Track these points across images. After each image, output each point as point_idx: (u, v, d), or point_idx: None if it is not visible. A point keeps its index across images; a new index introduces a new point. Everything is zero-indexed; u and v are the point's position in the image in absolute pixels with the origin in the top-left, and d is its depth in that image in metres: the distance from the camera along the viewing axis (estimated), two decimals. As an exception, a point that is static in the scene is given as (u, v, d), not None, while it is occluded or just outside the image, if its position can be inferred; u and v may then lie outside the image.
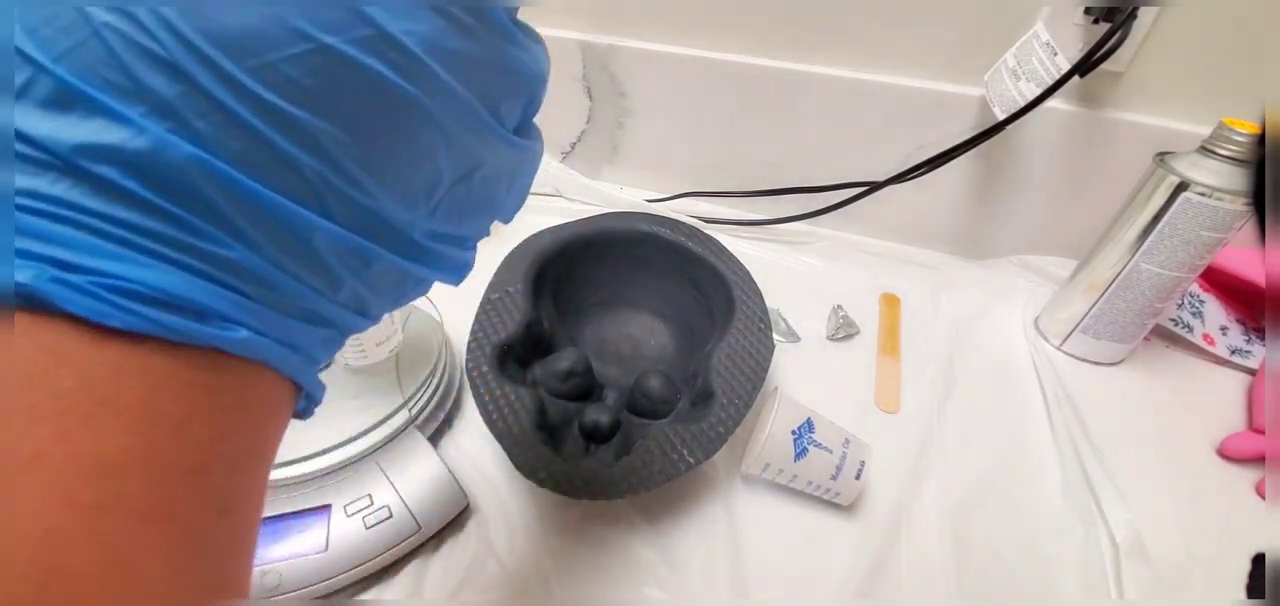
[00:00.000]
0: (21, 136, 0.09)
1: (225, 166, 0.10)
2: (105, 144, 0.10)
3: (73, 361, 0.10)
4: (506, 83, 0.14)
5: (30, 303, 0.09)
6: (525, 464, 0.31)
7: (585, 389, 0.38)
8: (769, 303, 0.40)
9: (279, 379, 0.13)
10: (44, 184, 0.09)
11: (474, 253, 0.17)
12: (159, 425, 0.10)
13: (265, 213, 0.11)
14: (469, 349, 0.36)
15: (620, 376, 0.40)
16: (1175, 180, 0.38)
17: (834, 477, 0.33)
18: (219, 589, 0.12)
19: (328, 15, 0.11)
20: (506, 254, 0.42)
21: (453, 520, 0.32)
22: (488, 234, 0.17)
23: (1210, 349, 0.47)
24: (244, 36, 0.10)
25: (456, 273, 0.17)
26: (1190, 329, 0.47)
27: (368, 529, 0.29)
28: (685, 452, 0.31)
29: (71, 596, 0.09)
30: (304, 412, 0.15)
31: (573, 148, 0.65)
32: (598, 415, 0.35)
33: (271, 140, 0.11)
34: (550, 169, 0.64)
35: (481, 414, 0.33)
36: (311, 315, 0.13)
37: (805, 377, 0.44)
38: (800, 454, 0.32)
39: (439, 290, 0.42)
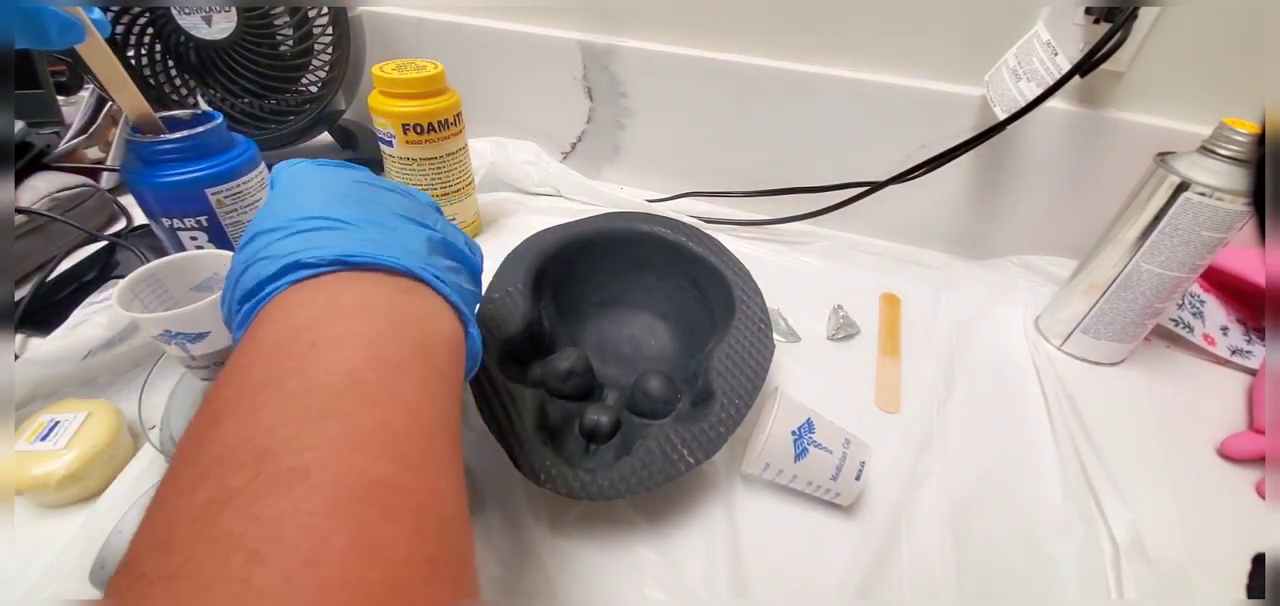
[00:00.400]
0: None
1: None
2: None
3: (341, 291, 0.20)
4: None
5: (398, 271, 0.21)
6: (526, 464, 0.31)
7: (586, 389, 0.38)
8: (769, 302, 0.40)
9: (447, 306, 0.23)
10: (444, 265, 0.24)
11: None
12: (389, 319, 0.20)
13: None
14: (469, 349, 0.36)
15: (620, 376, 0.40)
16: (1175, 180, 0.38)
17: (834, 478, 0.33)
18: (451, 429, 0.21)
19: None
20: (507, 254, 0.42)
21: (453, 520, 0.32)
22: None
23: (1210, 349, 0.47)
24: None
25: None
26: (1190, 329, 0.47)
27: (368, 528, 0.29)
28: (685, 453, 0.31)
29: (369, 400, 0.17)
30: (474, 356, 0.25)
31: (573, 148, 0.65)
32: (598, 415, 0.35)
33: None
34: (550, 169, 0.64)
35: (482, 414, 0.33)
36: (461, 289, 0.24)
37: (805, 377, 0.44)
38: (800, 454, 0.32)
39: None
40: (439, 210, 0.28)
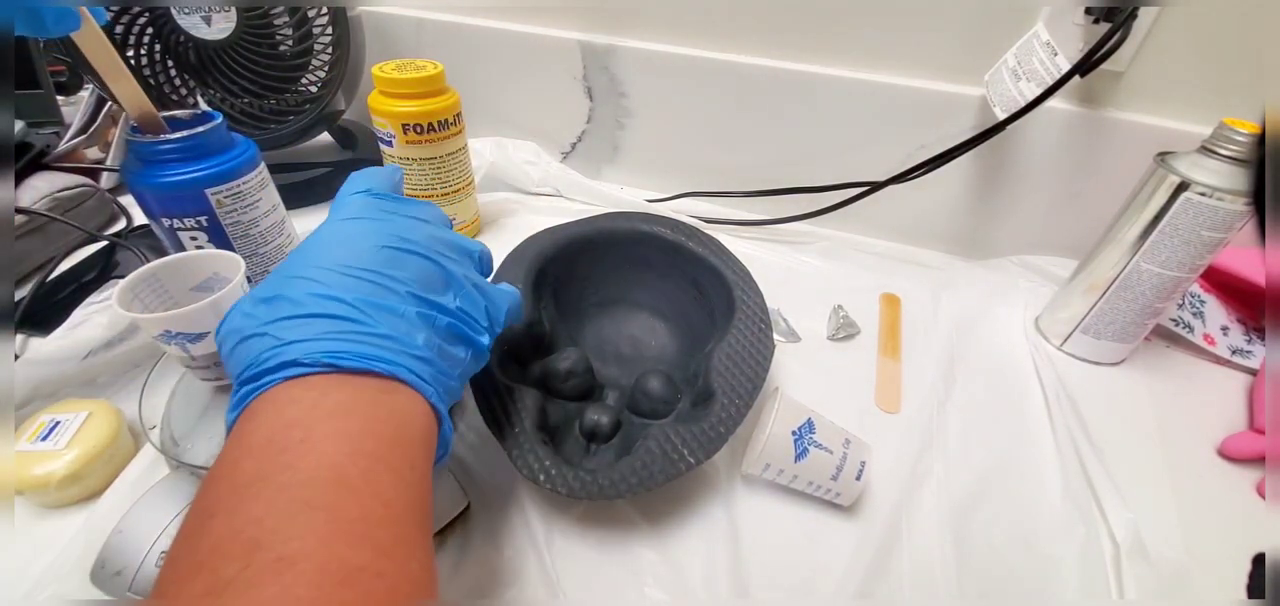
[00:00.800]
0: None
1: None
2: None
3: (328, 393, 0.21)
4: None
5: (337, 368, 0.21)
6: (526, 464, 0.31)
7: (586, 389, 0.38)
8: (769, 303, 0.40)
9: (424, 404, 0.23)
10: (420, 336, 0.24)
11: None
12: (368, 419, 0.21)
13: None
14: (469, 349, 0.36)
15: (621, 376, 0.40)
16: (1175, 180, 0.38)
17: (834, 478, 0.33)
18: (421, 514, 0.21)
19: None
20: (507, 254, 0.42)
21: (453, 520, 0.32)
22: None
23: (1211, 349, 0.47)
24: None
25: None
26: (1191, 329, 0.47)
27: (368, 529, 0.29)
28: (686, 452, 0.31)
29: (351, 493, 0.19)
30: (444, 445, 0.25)
31: (573, 148, 0.65)
32: (598, 415, 0.35)
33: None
34: (550, 169, 0.64)
35: (482, 414, 0.33)
36: (447, 381, 0.25)
37: (805, 377, 0.44)
38: (801, 454, 0.32)
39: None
40: (476, 259, 0.29)
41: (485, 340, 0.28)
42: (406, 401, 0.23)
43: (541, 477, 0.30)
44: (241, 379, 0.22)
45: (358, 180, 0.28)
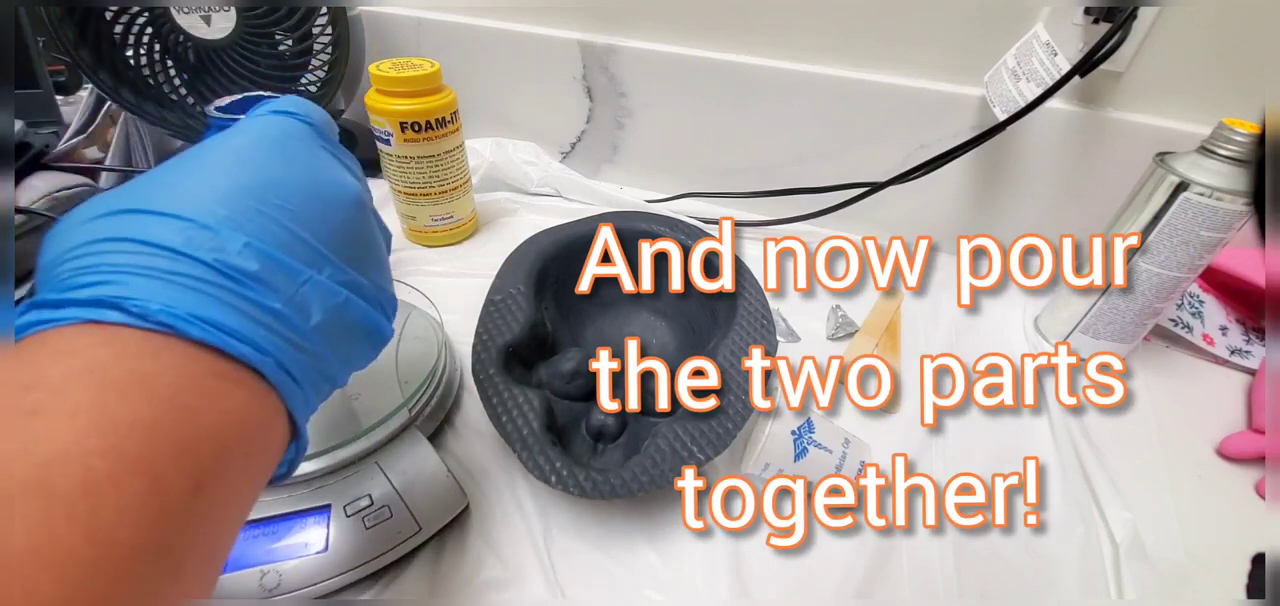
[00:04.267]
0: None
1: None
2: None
3: (129, 355, 0.14)
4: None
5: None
6: (537, 466, 0.31)
7: (590, 389, 0.38)
8: (769, 302, 0.40)
9: (278, 409, 0.18)
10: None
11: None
12: (170, 407, 0.15)
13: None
14: (475, 352, 0.36)
15: (621, 376, 0.40)
16: (1175, 180, 0.38)
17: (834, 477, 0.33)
18: (176, 558, 0.14)
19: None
20: (507, 255, 0.42)
21: (453, 520, 0.32)
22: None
23: (1210, 349, 0.47)
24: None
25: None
26: (1190, 329, 0.47)
27: (368, 529, 0.29)
28: (696, 449, 0.31)
29: (46, 508, 0.12)
30: (289, 464, 0.20)
31: (573, 148, 0.65)
32: (605, 415, 0.35)
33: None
34: (550, 169, 0.64)
35: (490, 417, 0.33)
36: (311, 355, 0.19)
37: (805, 377, 0.44)
38: (800, 454, 0.32)
39: (439, 291, 0.41)
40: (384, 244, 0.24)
41: (390, 328, 0.22)
42: (247, 401, 0.17)
43: (553, 479, 0.30)
44: (37, 303, 0.15)
45: (286, 102, 0.22)
